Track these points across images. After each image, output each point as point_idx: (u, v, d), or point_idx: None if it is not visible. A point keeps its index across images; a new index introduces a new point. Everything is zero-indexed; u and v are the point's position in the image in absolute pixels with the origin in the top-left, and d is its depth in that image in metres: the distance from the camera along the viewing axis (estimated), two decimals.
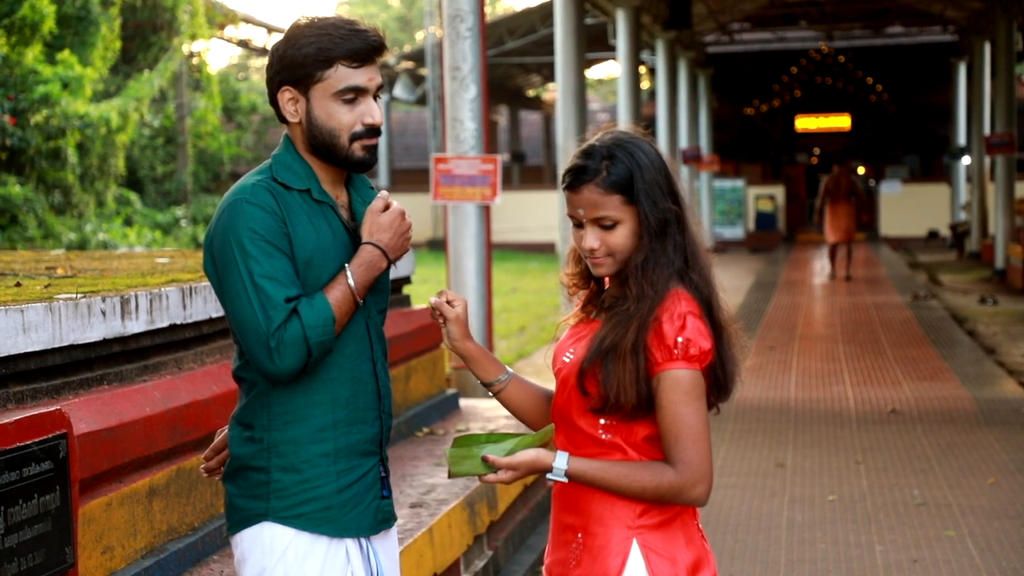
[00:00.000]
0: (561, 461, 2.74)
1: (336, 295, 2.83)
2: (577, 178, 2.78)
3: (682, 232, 2.80)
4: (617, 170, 2.77)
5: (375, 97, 2.92)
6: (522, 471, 2.72)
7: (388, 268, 2.93)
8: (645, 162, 2.78)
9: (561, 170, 2.86)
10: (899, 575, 6.13)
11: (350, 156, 2.89)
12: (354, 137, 2.88)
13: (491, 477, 2.70)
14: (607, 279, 2.90)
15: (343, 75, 2.85)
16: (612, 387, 2.71)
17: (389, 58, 31.48)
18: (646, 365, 2.73)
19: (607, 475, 2.74)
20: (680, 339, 2.72)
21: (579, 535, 2.80)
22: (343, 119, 2.87)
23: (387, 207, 2.92)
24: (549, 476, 2.74)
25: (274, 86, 2.92)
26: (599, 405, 2.74)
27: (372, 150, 2.91)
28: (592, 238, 2.79)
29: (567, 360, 2.83)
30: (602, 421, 2.77)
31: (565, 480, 2.74)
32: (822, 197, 21.10)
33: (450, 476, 2.74)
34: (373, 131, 2.90)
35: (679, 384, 2.73)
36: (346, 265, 2.87)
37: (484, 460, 2.68)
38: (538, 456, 2.72)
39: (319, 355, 2.81)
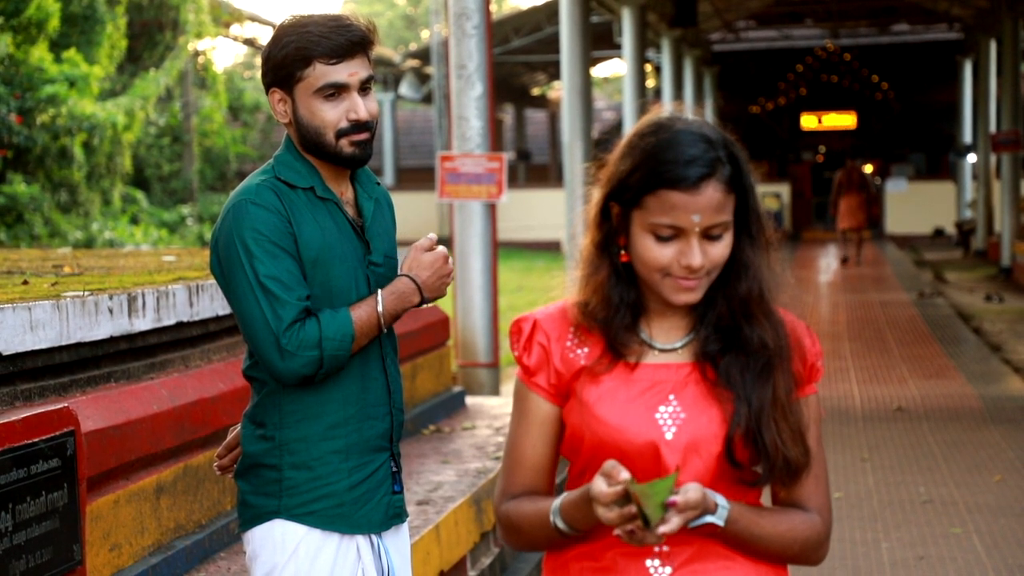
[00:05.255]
0: (723, 499, 2.11)
1: (361, 315, 2.84)
2: (699, 171, 2.07)
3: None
4: (735, 163, 2.12)
5: (363, 91, 2.89)
6: (695, 512, 2.05)
7: (420, 304, 2.94)
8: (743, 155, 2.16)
9: (651, 166, 2.10)
10: (905, 572, 6.13)
11: (339, 152, 2.89)
12: (340, 133, 2.87)
13: (663, 528, 2.00)
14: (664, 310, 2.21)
15: (321, 72, 2.84)
16: (778, 451, 2.13)
17: (395, 57, 31.49)
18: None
19: (761, 519, 2.15)
20: (816, 356, 2.23)
21: None
22: (327, 116, 2.86)
23: (432, 248, 2.95)
24: (710, 518, 2.09)
25: (265, 87, 2.94)
26: (758, 476, 2.16)
27: (362, 145, 2.90)
28: (699, 254, 2.10)
29: (675, 430, 2.15)
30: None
31: (722, 524, 2.11)
32: (836, 190, 23.27)
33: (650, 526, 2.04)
34: (359, 126, 2.88)
35: (814, 410, 2.22)
36: (379, 290, 2.88)
37: (668, 505, 2.03)
38: (706, 494, 2.07)
39: (330, 368, 2.82)
